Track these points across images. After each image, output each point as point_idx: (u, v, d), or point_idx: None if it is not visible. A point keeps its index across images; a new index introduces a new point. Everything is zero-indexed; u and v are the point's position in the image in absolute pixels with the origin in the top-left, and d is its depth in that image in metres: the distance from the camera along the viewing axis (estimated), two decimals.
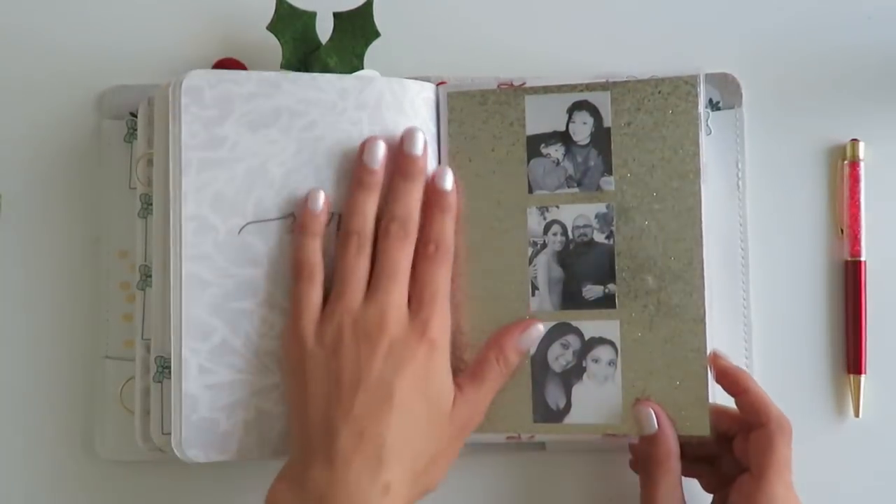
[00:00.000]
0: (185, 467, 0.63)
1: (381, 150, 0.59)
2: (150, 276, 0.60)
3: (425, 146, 0.59)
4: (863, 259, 0.65)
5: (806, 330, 0.65)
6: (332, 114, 0.60)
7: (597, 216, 0.61)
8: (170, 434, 0.58)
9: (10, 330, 0.65)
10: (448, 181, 0.60)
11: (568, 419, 0.61)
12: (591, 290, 0.61)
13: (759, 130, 0.66)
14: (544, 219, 0.62)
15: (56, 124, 0.66)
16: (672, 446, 0.58)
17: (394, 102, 0.61)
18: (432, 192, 0.60)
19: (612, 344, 0.61)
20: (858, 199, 0.65)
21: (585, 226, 0.62)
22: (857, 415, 0.64)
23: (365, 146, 0.59)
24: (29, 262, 0.65)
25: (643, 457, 0.59)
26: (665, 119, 0.61)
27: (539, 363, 0.61)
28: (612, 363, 0.61)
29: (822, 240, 0.66)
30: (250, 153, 0.59)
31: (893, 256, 0.65)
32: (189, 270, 0.58)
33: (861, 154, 0.65)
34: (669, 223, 0.61)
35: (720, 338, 0.62)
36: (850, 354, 0.65)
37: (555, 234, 0.62)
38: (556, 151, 0.62)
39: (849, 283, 0.65)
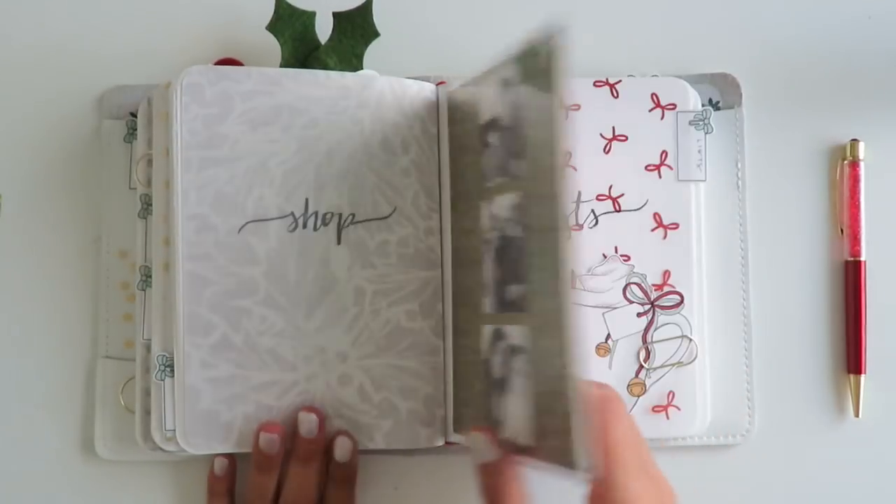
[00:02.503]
0: (185, 467, 0.63)
1: (276, 440, 0.58)
2: (151, 277, 0.60)
3: (321, 425, 0.58)
4: (863, 259, 0.65)
5: (806, 330, 0.65)
6: (334, 112, 0.60)
7: (512, 207, 0.51)
8: (174, 431, 0.58)
9: (10, 330, 0.65)
10: (345, 452, 0.59)
11: (501, 433, 0.53)
12: (511, 291, 0.52)
13: (759, 130, 0.66)
14: (490, 213, 0.54)
15: (56, 124, 0.66)
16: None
17: (394, 102, 0.61)
18: (331, 465, 0.59)
19: (525, 352, 0.51)
20: (858, 199, 0.65)
21: (507, 219, 0.52)
22: (857, 415, 0.64)
23: (260, 433, 0.58)
24: (29, 262, 0.65)
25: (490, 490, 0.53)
26: (538, 91, 0.49)
27: (487, 373, 0.55)
28: (524, 374, 0.51)
29: (822, 240, 0.66)
30: (250, 152, 0.59)
31: (893, 256, 0.65)
32: (190, 269, 0.58)
33: (861, 154, 0.65)
34: (543, 212, 0.48)
35: (720, 338, 0.62)
36: (850, 354, 0.64)
37: (494, 230, 0.54)
38: (494, 138, 0.54)
39: (849, 283, 0.65)
